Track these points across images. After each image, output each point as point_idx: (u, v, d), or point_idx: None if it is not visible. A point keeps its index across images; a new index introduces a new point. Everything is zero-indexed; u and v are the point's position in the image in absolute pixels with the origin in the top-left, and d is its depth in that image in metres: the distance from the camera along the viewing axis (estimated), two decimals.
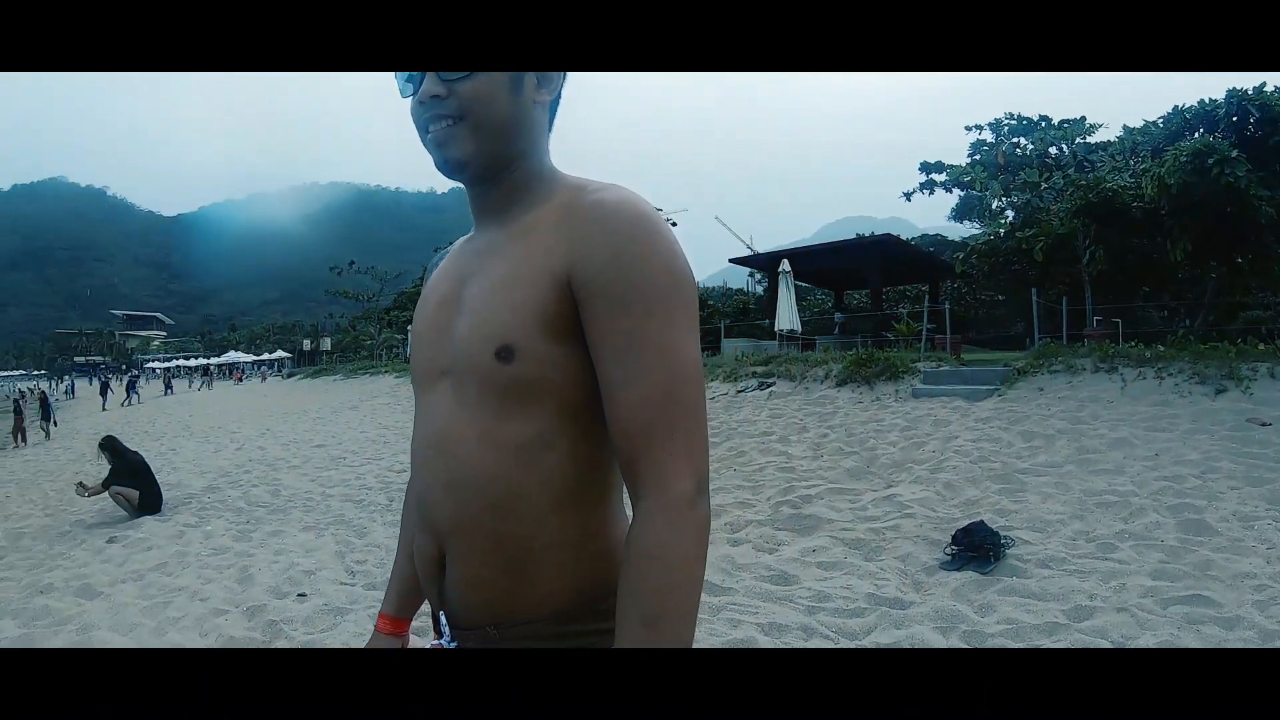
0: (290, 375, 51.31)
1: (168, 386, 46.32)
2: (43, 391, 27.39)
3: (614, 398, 1.00)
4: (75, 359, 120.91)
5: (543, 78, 1.14)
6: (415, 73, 1.10)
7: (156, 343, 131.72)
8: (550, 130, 1.20)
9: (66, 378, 76.34)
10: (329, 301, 67.16)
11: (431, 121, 1.10)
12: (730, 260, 27.33)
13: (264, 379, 51.97)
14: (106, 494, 8.73)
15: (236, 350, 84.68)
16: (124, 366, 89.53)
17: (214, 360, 74.84)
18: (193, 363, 76.57)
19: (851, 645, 3.93)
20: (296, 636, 4.48)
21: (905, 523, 5.74)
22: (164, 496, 9.22)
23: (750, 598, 4.58)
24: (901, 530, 5.59)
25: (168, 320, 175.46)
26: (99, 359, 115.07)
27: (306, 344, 65.48)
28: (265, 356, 74.70)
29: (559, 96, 1.21)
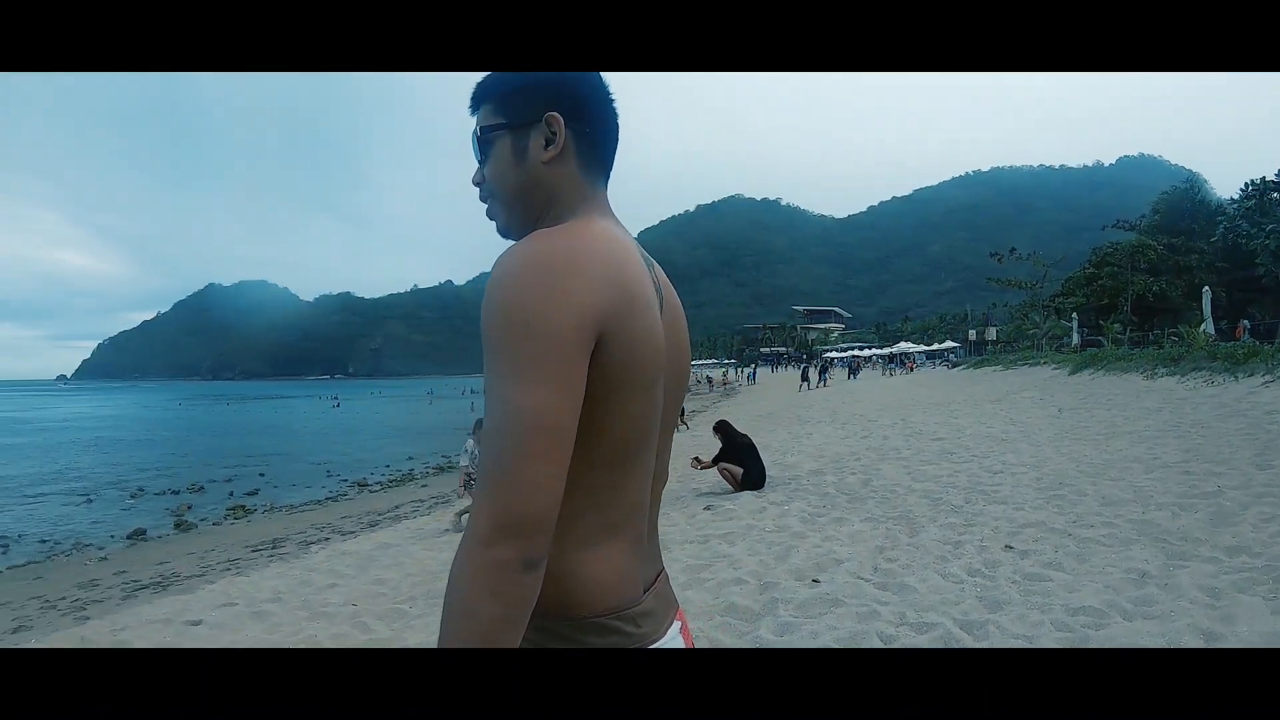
0: (955, 365, 52.28)
1: (853, 373, 52.59)
2: None
3: None
4: (760, 350, 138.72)
5: (548, 138, 1.24)
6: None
7: (835, 335, 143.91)
8: (592, 172, 1.29)
9: (751, 365, 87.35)
10: (1000, 290, 66.42)
11: (483, 201, 1.33)
12: None
13: (950, 366, 53.70)
14: (715, 469, 10.03)
15: (907, 341, 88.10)
16: (805, 356, 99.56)
17: (883, 350, 79.33)
18: (881, 351, 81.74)
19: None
20: (782, 615, 4.68)
21: None
22: (771, 476, 10.22)
23: None
24: None
25: (845, 314, 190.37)
26: (781, 349, 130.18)
27: (973, 334, 65.76)
28: (935, 346, 76.63)
29: (594, 138, 1.29)
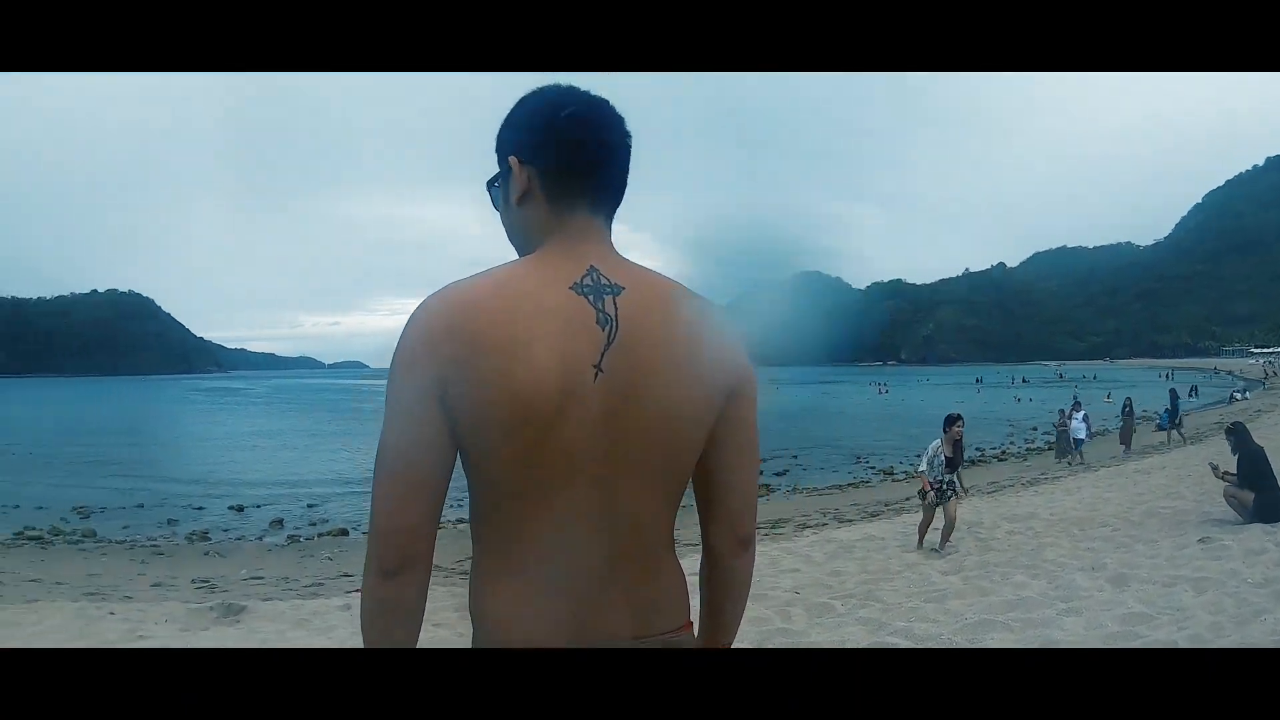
0: None
1: None
2: (1172, 390, 25.49)
3: None
4: None
5: (509, 178, 1.31)
6: None
7: None
8: (565, 204, 1.29)
9: None
10: None
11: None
12: None
13: None
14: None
15: None
16: None
17: None
18: None
19: None
20: None
21: None
22: None
23: None
24: None
25: None
26: None
27: None
28: None
29: (557, 172, 1.28)
